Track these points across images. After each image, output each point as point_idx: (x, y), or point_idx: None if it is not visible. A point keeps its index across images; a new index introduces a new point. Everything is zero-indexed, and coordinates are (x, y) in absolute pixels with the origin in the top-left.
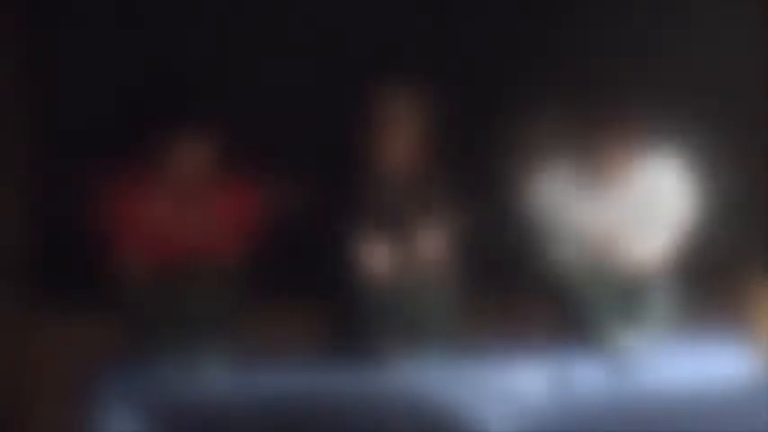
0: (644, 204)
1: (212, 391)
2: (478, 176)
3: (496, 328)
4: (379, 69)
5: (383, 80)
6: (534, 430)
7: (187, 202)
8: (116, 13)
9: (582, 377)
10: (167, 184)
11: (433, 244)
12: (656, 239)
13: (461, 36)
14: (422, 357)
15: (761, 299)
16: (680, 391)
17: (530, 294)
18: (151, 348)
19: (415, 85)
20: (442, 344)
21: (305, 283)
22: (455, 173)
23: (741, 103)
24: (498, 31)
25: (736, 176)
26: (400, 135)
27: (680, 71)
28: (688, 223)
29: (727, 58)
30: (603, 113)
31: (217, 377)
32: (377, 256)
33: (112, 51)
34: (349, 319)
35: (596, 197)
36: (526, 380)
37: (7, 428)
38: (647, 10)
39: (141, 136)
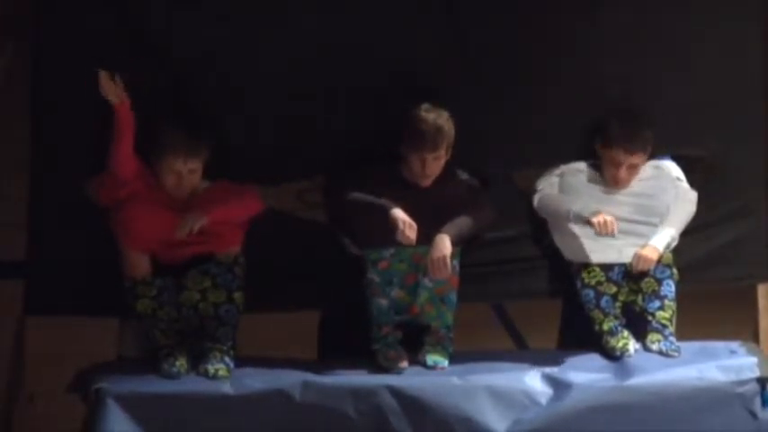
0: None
1: (211, 390)
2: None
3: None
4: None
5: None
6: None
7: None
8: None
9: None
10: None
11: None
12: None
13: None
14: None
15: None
16: (676, 391)
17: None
18: (151, 348)
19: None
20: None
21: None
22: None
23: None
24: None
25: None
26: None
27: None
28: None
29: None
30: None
31: (215, 377)
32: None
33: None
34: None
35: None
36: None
37: (6, 428)
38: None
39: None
